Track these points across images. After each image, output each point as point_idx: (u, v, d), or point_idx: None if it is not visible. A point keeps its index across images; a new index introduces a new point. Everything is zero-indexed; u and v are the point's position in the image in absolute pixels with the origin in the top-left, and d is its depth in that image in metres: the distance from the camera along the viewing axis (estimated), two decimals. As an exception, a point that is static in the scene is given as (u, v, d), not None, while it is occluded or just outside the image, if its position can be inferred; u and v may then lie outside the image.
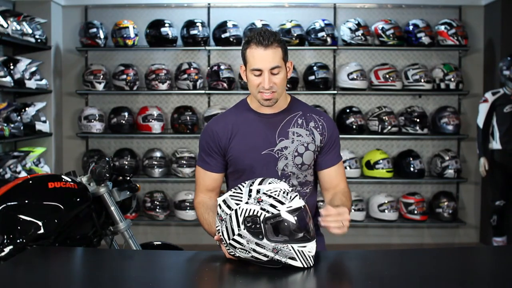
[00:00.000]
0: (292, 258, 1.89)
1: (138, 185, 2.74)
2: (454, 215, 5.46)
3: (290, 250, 1.88)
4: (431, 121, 5.50)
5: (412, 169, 5.42)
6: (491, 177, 4.98)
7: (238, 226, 1.91)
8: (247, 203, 1.92)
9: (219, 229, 1.99)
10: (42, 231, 2.25)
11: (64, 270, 2.01)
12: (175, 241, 3.94)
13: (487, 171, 4.95)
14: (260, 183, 1.97)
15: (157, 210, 5.40)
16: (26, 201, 2.32)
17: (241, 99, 2.39)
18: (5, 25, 4.41)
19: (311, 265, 1.90)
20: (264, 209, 1.89)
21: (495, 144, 4.90)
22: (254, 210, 1.90)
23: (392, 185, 5.65)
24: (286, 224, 1.89)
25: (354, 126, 5.38)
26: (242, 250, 1.93)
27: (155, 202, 5.42)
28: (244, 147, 2.25)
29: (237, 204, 1.93)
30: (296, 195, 1.95)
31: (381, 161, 5.40)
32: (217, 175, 2.33)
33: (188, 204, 5.36)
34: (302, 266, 1.90)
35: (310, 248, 1.90)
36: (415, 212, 5.39)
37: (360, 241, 5.62)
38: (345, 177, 2.38)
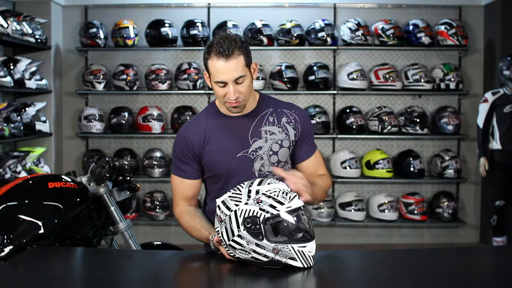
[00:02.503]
0: (292, 258, 1.89)
1: (138, 185, 2.74)
2: (454, 215, 5.46)
3: (290, 250, 1.88)
4: (431, 121, 5.50)
5: (412, 169, 5.42)
6: (491, 177, 4.98)
7: (238, 227, 1.91)
8: (246, 204, 1.92)
9: (218, 231, 1.98)
10: (42, 231, 2.25)
11: (64, 270, 2.01)
12: (175, 241, 3.92)
13: (487, 171, 4.95)
14: (259, 184, 1.97)
15: (157, 210, 5.40)
16: (26, 201, 2.32)
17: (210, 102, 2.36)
18: (5, 25, 4.41)
19: (311, 265, 1.90)
20: (263, 210, 1.89)
21: (495, 144, 4.90)
22: (254, 211, 1.90)
23: (392, 185, 5.65)
24: (285, 224, 1.89)
25: (354, 126, 5.38)
26: (242, 251, 1.93)
27: (155, 202, 5.42)
28: (218, 152, 2.22)
29: (237, 205, 1.93)
30: (295, 195, 1.95)
31: (381, 161, 5.40)
32: (195, 182, 2.29)
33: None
34: (302, 266, 1.90)
35: (310, 248, 1.91)
36: (415, 212, 5.39)
37: (360, 241, 5.62)
38: (323, 162, 2.39)
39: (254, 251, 1.90)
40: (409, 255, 2.26)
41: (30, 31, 4.78)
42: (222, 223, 1.96)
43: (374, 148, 5.61)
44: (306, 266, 1.90)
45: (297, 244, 1.89)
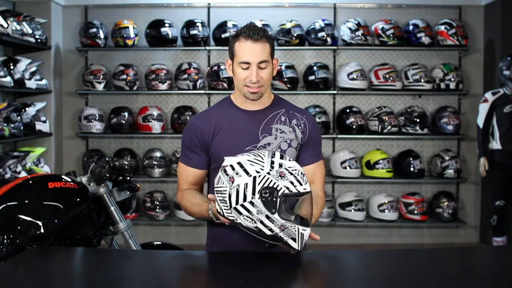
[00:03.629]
0: (293, 239, 1.92)
1: (138, 185, 2.74)
2: (454, 215, 5.46)
3: (295, 231, 1.91)
4: (431, 121, 5.50)
5: (412, 169, 5.42)
6: (491, 177, 4.98)
7: (253, 193, 1.90)
8: (268, 173, 1.91)
9: (225, 190, 1.94)
10: (42, 231, 2.25)
11: (64, 270, 2.01)
12: (175, 241, 3.93)
13: (487, 171, 4.95)
14: (281, 158, 1.96)
15: (157, 210, 5.40)
16: (26, 201, 2.32)
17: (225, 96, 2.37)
18: (5, 25, 4.41)
19: (300, 249, 1.95)
20: (284, 185, 1.89)
21: (495, 144, 4.90)
22: (275, 183, 1.89)
23: (392, 185, 5.65)
24: (294, 201, 1.93)
25: (354, 126, 5.38)
26: (248, 218, 1.92)
27: (155, 202, 5.42)
28: (227, 143, 2.22)
29: (258, 172, 1.91)
30: (307, 179, 1.97)
31: (381, 161, 5.40)
32: (201, 172, 2.30)
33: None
34: (297, 248, 1.93)
35: (307, 233, 1.95)
36: (415, 212, 5.39)
37: (360, 241, 5.62)
38: (323, 178, 2.36)
39: (262, 222, 1.90)
40: (409, 255, 2.26)
41: (30, 31, 4.78)
42: (233, 184, 1.92)
43: (374, 148, 5.61)
44: (299, 249, 1.94)
45: (302, 226, 1.92)
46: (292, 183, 1.90)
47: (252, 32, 2.14)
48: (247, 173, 1.92)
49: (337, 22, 5.58)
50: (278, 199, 1.88)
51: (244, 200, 1.90)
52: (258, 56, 2.14)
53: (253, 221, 1.90)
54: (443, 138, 5.60)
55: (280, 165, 1.92)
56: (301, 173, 1.94)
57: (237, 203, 1.91)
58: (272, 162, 1.93)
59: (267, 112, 2.27)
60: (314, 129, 2.32)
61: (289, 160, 1.97)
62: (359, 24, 5.37)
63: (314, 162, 2.32)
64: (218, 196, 1.98)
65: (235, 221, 1.95)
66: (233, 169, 1.94)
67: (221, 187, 1.96)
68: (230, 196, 1.92)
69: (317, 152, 2.34)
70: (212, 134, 2.24)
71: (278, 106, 2.30)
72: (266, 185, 1.89)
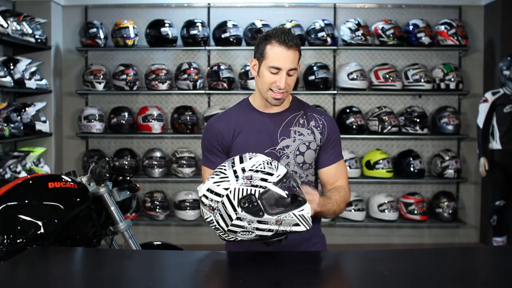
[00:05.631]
0: (296, 224, 1.91)
1: (138, 185, 2.74)
2: (454, 215, 5.46)
3: (292, 217, 1.90)
4: (431, 121, 5.50)
5: (412, 169, 5.42)
6: (491, 177, 4.98)
7: (235, 210, 1.89)
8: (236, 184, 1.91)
9: (211, 219, 1.94)
10: (42, 231, 2.25)
11: (64, 270, 2.01)
12: (175, 241, 3.93)
13: (487, 171, 4.95)
14: (241, 162, 1.95)
15: (157, 210, 5.40)
16: (26, 201, 2.32)
17: (242, 98, 2.37)
18: (5, 25, 4.41)
19: (311, 225, 1.93)
20: (256, 186, 1.88)
21: (495, 144, 4.90)
22: (247, 189, 1.88)
23: (392, 185, 5.65)
24: (275, 194, 1.89)
25: (354, 126, 5.38)
26: (244, 232, 1.91)
27: (155, 202, 5.42)
28: (246, 145, 2.23)
29: (226, 189, 1.91)
30: (278, 162, 1.97)
31: (381, 161, 5.40)
32: None
33: (188, 204, 5.37)
34: (305, 229, 1.92)
35: (307, 210, 1.93)
36: (415, 212, 5.39)
37: (360, 241, 5.62)
38: (346, 176, 2.36)
39: (257, 229, 1.89)
40: (409, 255, 2.26)
41: (30, 31, 4.78)
42: (215, 211, 1.92)
43: (374, 148, 5.61)
44: (307, 228, 1.93)
45: (297, 209, 1.91)
46: (263, 179, 1.89)
47: (287, 38, 2.13)
48: (219, 195, 1.91)
49: (337, 22, 5.58)
50: (259, 201, 1.87)
51: (231, 219, 1.90)
52: (290, 63, 2.15)
53: (250, 233, 1.91)
54: (443, 138, 5.61)
55: (243, 170, 1.91)
56: (267, 162, 1.93)
57: (227, 225, 1.92)
58: (235, 172, 1.92)
59: (286, 115, 2.28)
60: (333, 130, 2.32)
61: (249, 158, 1.95)
62: (359, 24, 5.38)
63: (335, 163, 2.32)
64: (211, 226, 1.98)
65: (236, 240, 1.95)
66: (207, 198, 1.94)
67: (207, 218, 1.97)
68: (218, 222, 1.93)
69: (338, 153, 2.34)
70: (232, 137, 2.25)
71: (296, 108, 2.30)
72: (240, 196, 1.88)
